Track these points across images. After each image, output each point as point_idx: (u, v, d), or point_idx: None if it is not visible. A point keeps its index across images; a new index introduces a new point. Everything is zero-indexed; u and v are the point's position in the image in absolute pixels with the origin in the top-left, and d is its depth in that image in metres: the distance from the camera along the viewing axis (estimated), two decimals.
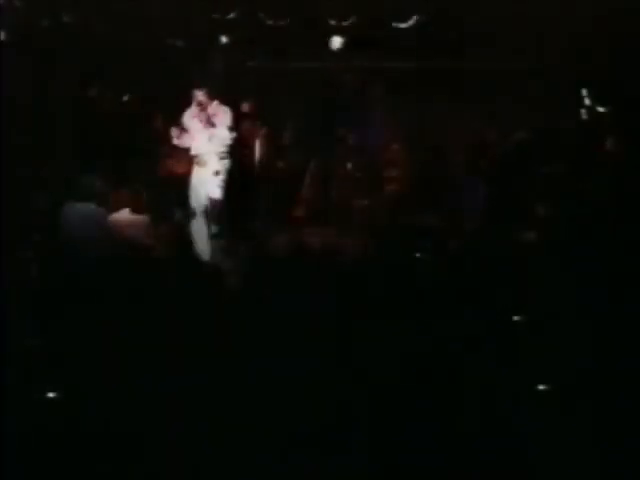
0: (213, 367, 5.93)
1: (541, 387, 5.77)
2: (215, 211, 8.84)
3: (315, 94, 12.09)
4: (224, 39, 11.88)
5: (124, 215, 8.43)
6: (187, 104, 9.18)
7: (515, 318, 6.51)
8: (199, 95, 8.92)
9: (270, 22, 11.35)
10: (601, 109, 10.61)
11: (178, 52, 11.77)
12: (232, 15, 11.33)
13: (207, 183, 8.93)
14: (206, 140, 8.90)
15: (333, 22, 11.51)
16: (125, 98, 11.31)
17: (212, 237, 8.77)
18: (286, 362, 5.95)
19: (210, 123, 8.87)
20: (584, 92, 10.84)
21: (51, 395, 5.67)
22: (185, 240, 8.48)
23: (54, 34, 10.90)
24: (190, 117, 9.01)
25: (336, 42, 11.77)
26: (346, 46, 11.77)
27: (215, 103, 8.95)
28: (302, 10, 11.25)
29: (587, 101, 10.81)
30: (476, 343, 6.08)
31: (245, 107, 11.09)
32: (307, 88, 12.12)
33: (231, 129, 8.90)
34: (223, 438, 5.41)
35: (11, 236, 7.14)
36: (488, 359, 5.97)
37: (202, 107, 8.92)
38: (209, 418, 5.51)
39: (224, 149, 8.93)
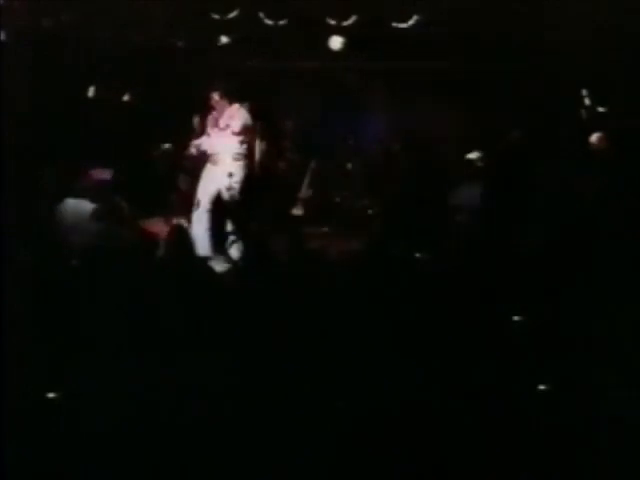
0: (213, 367, 5.93)
1: (541, 387, 5.78)
2: (232, 212, 8.82)
3: (315, 94, 12.09)
4: (224, 39, 11.88)
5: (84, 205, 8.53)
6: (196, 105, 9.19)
7: (515, 318, 6.51)
8: (213, 97, 8.92)
9: (270, 22, 11.35)
10: (601, 109, 10.62)
11: (178, 52, 11.78)
12: (232, 15, 11.34)
13: (219, 183, 8.90)
14: (220, 141, 8.88)
15: (333, 22, 11.51)
16: (125, 98, 11.32)
17: (229, 235, 8.76)
18: (285, 361, 5.95)
19: (217, 126, 8.87)
20: (584, 92, 10.85)
21: (51, 395, 5.67)
22: (185, 239, 8.49)
23: (54, 34, 10.90)
24: (208, 119, 9.05)
25: (336, 42, 11.77)
26: (346, 46, 11.76)
27: (235, 106, 8.93)
28: (302, 10, 11.25)
29: (587, 101, 10.82)
30: (476, 343, 6.08)
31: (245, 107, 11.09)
32: (307, 88, 12.12)
33: (239, 133, 8.83)
34: (223, 437, 5.41)
35: (11, 236, 7.14)
36: (488, 359, 5.97)
37: (213, 109, 8.93)
38: (209, 417, 5.51)
39: (238, 150, 8.89)
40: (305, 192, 10.64)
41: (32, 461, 5.20)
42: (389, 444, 5.35)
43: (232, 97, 9.02)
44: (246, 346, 6.13)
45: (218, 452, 5.34)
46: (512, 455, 5.29)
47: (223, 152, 8.85)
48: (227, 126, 8.87)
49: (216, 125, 8.93)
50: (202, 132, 9.08)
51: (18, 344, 5.92)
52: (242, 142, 8.88)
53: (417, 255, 7.56)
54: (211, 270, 8.01)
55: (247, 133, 8.92)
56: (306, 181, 10.72)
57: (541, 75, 11.13)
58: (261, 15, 11.34)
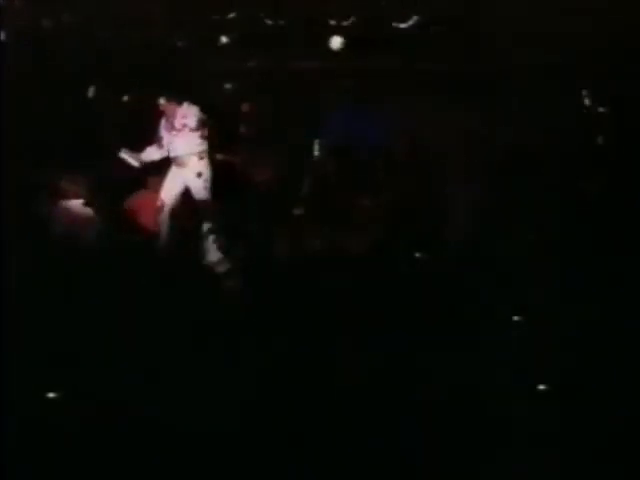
0: (213, 367, 5.93)
1: (541, 387, 5.78)
2: (206, 211, 8.78)
3: (315, 94, 12.08)
4: (224, 39, 11.90)
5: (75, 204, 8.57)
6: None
7: (515, 318, 6.51)
8: (160, 102, 8.82)
9: (270, 22, 11.36)
10: (601, 109, 10.61)
11: (178, 52, 11.79)
12: (232, 15, 11.35)
13: (189, 183, 8.85)
14: (181, 141, 8.80)
15: (333, 22, 11.52)
16: (125, 98, 11.31)
17: (205, 235, 8.72)
18: (285, 360, 5.95)
19: (174, 128, 8.76)
20: (584, 92, 10.84)
21: (51, 395, 5.67)
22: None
23: (54, 34, 10.90)
24: (161, 125, 8.92)
25: (336, 42, 11.77)
26: (346, 46, 11.77)
27: (185, 105, 8.83)
28: (302, 10, 11.26)
29: (587, 101, 10.82)
30: (476, 343, 6.08)
31: (245, 107, 11.09)
32: (307, 88, 12.11)
33: (196, 129, 8.74)
34: (222, 437, 5.41)
35: (11, 236, 7.14)
36: (488, 359, 5.97)
37: (165, 114, 8.81)
38: (208, 418, 5.51)
39: (200, 149, 8.84)
40: (305, 192, 10.61)
41: (32, 461, 5.20)
42: (388, 443, 5.35)
43: (179, 97, 8.90)
44: (245, 345, 6.12)
45: (218, 450, 5.34)
46: (512, 454, 5.29)
47: (188, 154, 8.78)
48: (184, 126, 8.79)
49: (173, 128, 8.84)
50: (156, 139, 8.94)
51: (18, 344, 5.93)
52: (202, 137, 8.83)
53: (417, 255, 7.56)
54: (211, 270, 8.02)
55: (204, 128, 8.86)
56: (306, 181, 10.69)
57: (541, 75, 11.13)
58: (261, 15, 11.35)
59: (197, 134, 8.76)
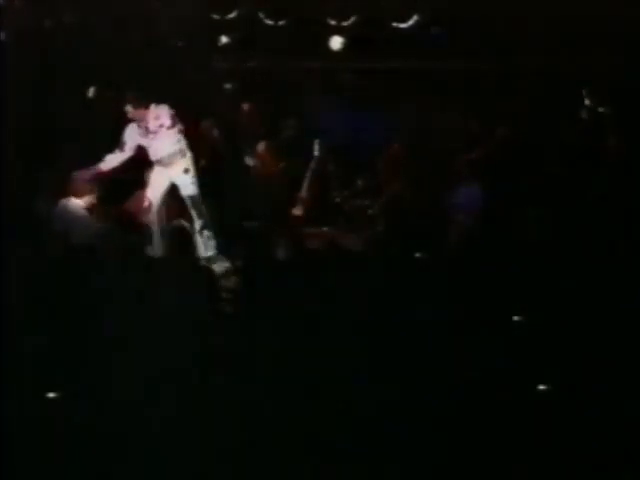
0: (211, 367, 5.93)
1: (541, 387, 5.79)
2: (197, 207, 8.73)
3: (315, 94, 12.09)
4: (224, 39, 11.90)
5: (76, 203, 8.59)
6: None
7: (515, 318, 6.52)
8: (128, 110, 8.72)
9: (270, 22, 11.37)
10: (601, 109, 10.61)
11: (178, 52, 11.79)
12: (232, 15, 11.36)
13: (176, 181, 8.80)
14: (161, 143, 8.73)
15: (333, 22, 11.53)
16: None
17: (198, 232, 8.68)
18: (285, 361, 5.96)
19: (149, 132, 8.68)
20: (584, 92, 10.84)
21: (51, 395, 5.68)
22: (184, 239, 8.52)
23: (54, 34, 10.90)
24: (132, 133, 8.82)
25: (336, 42, 11.78)
26: (346, 46, 11.77)
27: (153, 106, 8.72)
28: (302, 10, 11.26)
29: (587, 101, 10.82)
30: (476, 343, 6.09)
31: (245, 107, 11.10)
32: (307, 88, 12.12)
33: (172, 126, 8.65)
34: (221, 437, 5.42)
35: (11, 236, 7.15)
36: (488, 359, 5.98)
37: (136, 120, 8.73)
38: (207, 417, 5.52)
39: (181, 145, 8.78)
40: (305, 192, 10.62)
41: (32, 461, 5.20)
42: (389, 443, 5.36)
43: (146, 101, 8.78)
44: (245, 344, 6.13)
45: (218, 450, 5.35)
46: (512, 454, 5.30)
47: (170, 153, 8.71)
48: (160, 126, 8.69)
49: (148, 132, 8.75)
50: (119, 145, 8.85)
51: (18, 344, 5.93)
52: (179, 132, 8.75)
53: (417, 255, 7.56)
54: (210, 270, 8.02)
55: (179, 122, 8.77)
56: (306, 181, 10.69)
57: (541, 75, 11.14)
58: (261, 15, 11.35)
59: (174, 130, 8.67)
